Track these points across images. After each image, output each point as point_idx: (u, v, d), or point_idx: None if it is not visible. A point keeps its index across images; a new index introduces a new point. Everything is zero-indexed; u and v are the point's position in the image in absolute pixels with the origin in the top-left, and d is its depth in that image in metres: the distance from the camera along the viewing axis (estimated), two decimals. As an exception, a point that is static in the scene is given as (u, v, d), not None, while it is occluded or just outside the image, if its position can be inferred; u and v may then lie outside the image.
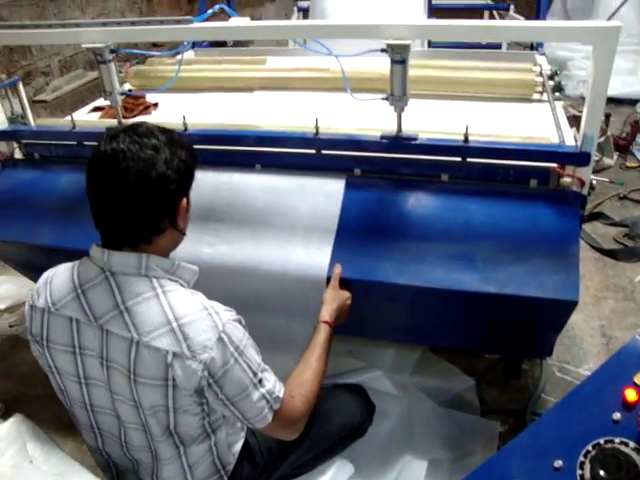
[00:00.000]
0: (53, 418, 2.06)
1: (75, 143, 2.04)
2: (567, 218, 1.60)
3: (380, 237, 1.63)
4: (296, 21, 1.80)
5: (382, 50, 1.57)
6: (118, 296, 1.16)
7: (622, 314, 2.68)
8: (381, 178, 1.77)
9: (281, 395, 1.22)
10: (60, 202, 1.95)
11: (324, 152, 1.80)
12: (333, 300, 1.54)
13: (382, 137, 1.71)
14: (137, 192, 1.13)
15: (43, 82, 3.74)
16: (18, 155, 2.16)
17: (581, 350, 2.45)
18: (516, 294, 1.50)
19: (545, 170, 1.67)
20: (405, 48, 1.54)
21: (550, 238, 1.56)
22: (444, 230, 1.62)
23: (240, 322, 1.21)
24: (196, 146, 1.84)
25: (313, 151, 1.81)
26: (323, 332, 1.45)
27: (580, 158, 1.62)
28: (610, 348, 2.46)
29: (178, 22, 1.69)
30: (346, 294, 1.58)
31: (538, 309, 1.57)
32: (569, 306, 1.51)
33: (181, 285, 1.22)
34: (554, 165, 1.66)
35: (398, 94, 1.61)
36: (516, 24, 1.61)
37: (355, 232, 1.65)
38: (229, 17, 1.75)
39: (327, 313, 1.50)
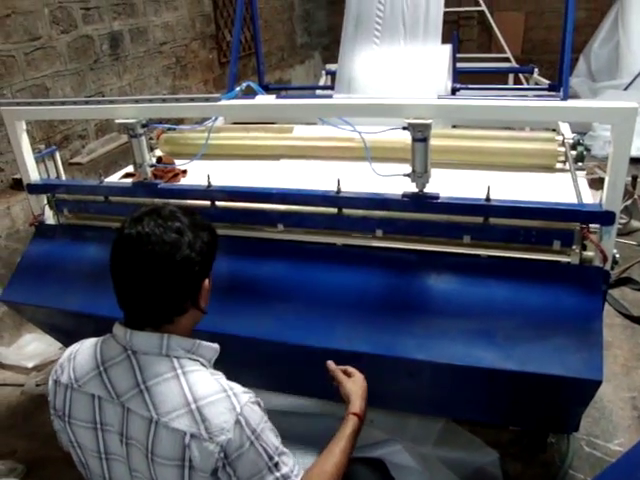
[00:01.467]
0: (74, 483, 2.07)
1: (103, 199, 2.13)
2: (589, 295, 1.59)
3: (401, 312, 1.65)
4: (319, 100, 1.85)
5: (404, 128, 1.61)
6: (139, 375, 1.18)
7: (654, 385, 2.61)
8: (402, 251, 1.79)
9: (298, 479, 1.21)
10: (89, 269, 2.00)
11: (346, 212, 1.83)
12: (355, 391, 1.44)
13: (404, 195, 1.74)
14: (162, 275, 1.16)
15: (79, 145, 3.90)
16: (48, 214, 2.25)
17: (611, 423, 2.38)
18: (538, 372, 1.48)
19: (569, 231, 1.67)
20: (426, 127, 1.58)
21: (572, 315, 1.55)
22: (465, 305, 1.62)
23: (259, 404, 1.21)
24: (220, 203, 1.95)
25: (335, 210, 1.84)
26: (351, 424, 1.38)
27: (604, 217, 1.60)
28: (642, 422, 2.39)
29: (207, 100, 1.77)
30: (360, 377, 1.49)
31: (561, 387, 1.55)
32: (593, 385, 1.49)
33: (202, 364, 1.23)
34: (578, 225, 1.65)
35: (420, 171, 1.65)
36: (537, 104, 1.64)
37: (376, 307, 1.66)
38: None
39: (357, 404, 1.41)
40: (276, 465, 1.18)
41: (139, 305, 1.21)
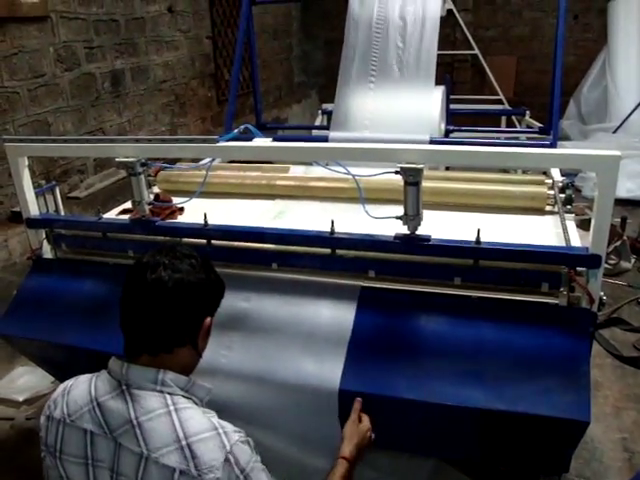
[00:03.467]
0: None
1: (101, 235, 2.16)
2: (577, 336, 1.62)
3: (392, 352, 1.67)
4: (314, 144, 1.91)
5: (396, 172, 1.66)
6: (132, 410, 1.20)
7: (644, 426, 2.62)
8: (394, 291, 1.82)
9: None
10: (85, 304, 2.03)
11: (339, 252, 1.87)
12: (353, 435, 1.47)
13: (395, 237, 1.77)
14: (172, 297, 1.23)
15: (78, 179, 3.95)
16: (46, 247, 2.27)
17: (602, 465, 2.38)
18: (527, 412, 1.51)
19: (556, 274, 1.70)
20: (418, 172, 1.63)
21: (560, 356, 1.58)
22: (455, 346, 1.65)
23: (249, 443, 1.22)
24: (215, 242, 1.98)
25: (328, 251, 1.87)
26: (340, 468, 1.39)
27: (590, 260, 1.64)
28: (633, 464, 2.39)
29: (205, 141, 1.82)
30: (366, 427, 1.51)
31: (549, 427, 1.56)
32: (581, 426, 1.51)
33: (195, 402, 1.26)
34: (565, 269, 1.68)
35: (412, 214, 1.69)
36: (525, 151, 1.70)
37: (368, 346, 1.69)
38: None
39: (347, 449, 1.43)
40: None
41: (144, 327, 1.25)
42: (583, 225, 2.11)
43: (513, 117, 5.55)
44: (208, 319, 1.31)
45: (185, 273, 1.25)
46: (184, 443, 1.16)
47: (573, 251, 1.72)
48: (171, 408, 1.20)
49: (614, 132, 6.32)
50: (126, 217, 2.36)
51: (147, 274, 1.24)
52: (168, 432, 1.17)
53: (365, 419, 1.53)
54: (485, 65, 7.41)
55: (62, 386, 1.35)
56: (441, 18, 3.41)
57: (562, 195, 2.27)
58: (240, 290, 1.87)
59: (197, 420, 1.20)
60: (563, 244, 1.88)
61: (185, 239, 2.04)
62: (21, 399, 2.94)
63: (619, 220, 4.25)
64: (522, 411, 1.51)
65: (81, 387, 1.30)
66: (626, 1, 6.72)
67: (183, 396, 1.24)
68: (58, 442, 1.27)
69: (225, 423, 1.22)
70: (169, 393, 1.22)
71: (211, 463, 1.14)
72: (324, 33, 8.15)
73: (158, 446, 1.16)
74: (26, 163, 2.14)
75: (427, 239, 1.74)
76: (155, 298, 1.23)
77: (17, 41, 3.41)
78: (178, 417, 1.19)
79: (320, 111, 4.88)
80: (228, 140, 1.82)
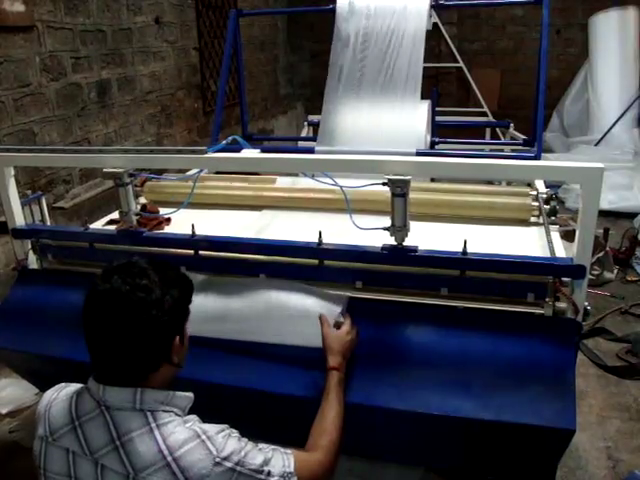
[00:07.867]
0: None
1: (87, 245, 2.14)
2: (562, 346, 1.64)
3: (380, 362, 1.68)
4: (303, 155, 1.92)
5: (383, 184, 1.68)
6: (113, 431, 1.18)
7: (628, 435, 2.65)
8: (381, 302, 1.83)
9: (292, 468, 1.25)
10: (71, 315, 1.98)
11: (326, 263, 1.87)
12: (333, 344, 1.60)
13: (383, 248, 1.78)
14: (128, 334, 1.17)
15: (63, 189, 3.93)
16: (32, 258, 2.25)
17: (586, 474, 2.40)
18: (513, 421, 1.52)
19: (542, 284, 1.72)
20: (405, 183, 1.64)
21: (545, 366, 1.60)
22: (442, 356, 1.66)
23: (230, 436, 1.22)
24: (202, 253, 1.98)
25: (316, 262, 1.88)
26: (331, 379, 1.54)
27: (576, 271, 1.66)
28: (617, 472, 2.42)
29: (193, 152, 1.83)
30: (343, 331, 1.64)
31: (535, 436, 1.58)
32: (566, 435, 1.53)
33: (176, 414, 1.24)
34: (551, 279, 1.70)
35: (399, 225, 1.70)
36: (510, 163, 1.73)
37: (355, 356, 1.69)
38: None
39: (332, 360, 1.58)
40: (269, 473, 1.21)
41: (110, 363, 1.22)
42: (567, 236, 2.14)
43: (497, 129, 5.61)
44: (177, 337, 1.26)
45: (140, 301, 1.17)
46: (170, 459, 1.15)
47: (559, 262, 1.74)
48: (152, 425, 1.19)
49: (596, 144, 6.43)
50: (113, 227, 2.36)
51: (102, 307, 1.19)
52: (153, 450, 1.16)
53: (345, 325, 1.66)
54: (470, 78, 7.49)
55: (45, 398, 1.33)
56: (427, 31, 3.45)
57: (546, 206, 2.30)
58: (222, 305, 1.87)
59: (180, 433, 1.18)
60: (548, 255, 1.90)
61: (172, 250, 2.03)
62: (4, 411, 2.90)
63: (602, 231, 4.31)
64: (508, 420, 1.52)
65: (62, 404, 1.28)
66: (606, 17, 6.86)
67: (164, 410, 1.22)
68: (42, 459, 1.26)
69: (207, 426, 1.22)
70: (149, 410, 1.20)
71: (201, 472, 1.14)
72: (310, 45, 8.20)
73: (145, 466, 1.15)
74: (12, 173, 2.12)
75: (414, 250, 1.76)
76: (113, 334, 1.18)
77: (2, 50, 3.39)
78: (160, 433, 1.18)
79: (306, 123, 4.89)
80: (217, 151, 1.83)
